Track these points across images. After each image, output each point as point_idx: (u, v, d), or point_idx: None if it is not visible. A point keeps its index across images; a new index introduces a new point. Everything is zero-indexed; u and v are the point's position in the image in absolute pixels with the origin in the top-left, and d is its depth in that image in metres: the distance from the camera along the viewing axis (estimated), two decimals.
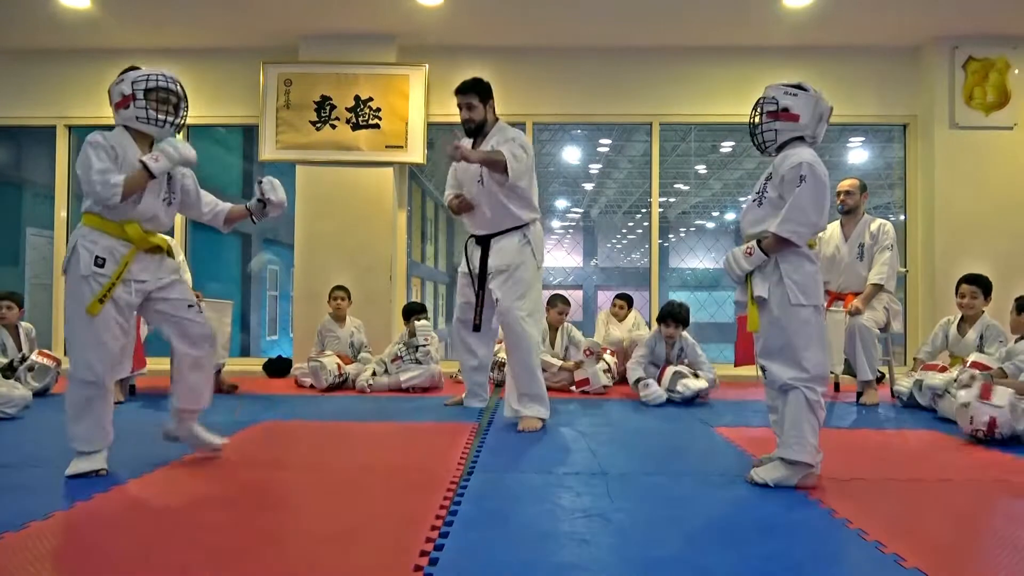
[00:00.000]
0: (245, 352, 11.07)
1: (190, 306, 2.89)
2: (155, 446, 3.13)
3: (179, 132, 2.93)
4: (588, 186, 19.33)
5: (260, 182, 3.02)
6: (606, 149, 16.14)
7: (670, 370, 4.81)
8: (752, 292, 2.68)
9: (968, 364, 4.17)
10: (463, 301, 4.10)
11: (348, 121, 6.16)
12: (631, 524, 2.17)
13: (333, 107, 6.15)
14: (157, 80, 2.80)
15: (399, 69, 6.17)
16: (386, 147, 6.18)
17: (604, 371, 5.28)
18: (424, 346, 5.37)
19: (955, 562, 1.91)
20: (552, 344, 5.49)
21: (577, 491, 2.51)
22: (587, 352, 5.23)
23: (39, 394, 4.77)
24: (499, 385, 5.35)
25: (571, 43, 6.24)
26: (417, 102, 6.16)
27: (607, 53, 6.30)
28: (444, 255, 18.44)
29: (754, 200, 2.75)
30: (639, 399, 4.80)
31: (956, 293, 4.68)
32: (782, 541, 2.05)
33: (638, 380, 4.78)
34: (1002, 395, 3.39)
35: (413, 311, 5.51)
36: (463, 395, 4.42)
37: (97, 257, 2.68)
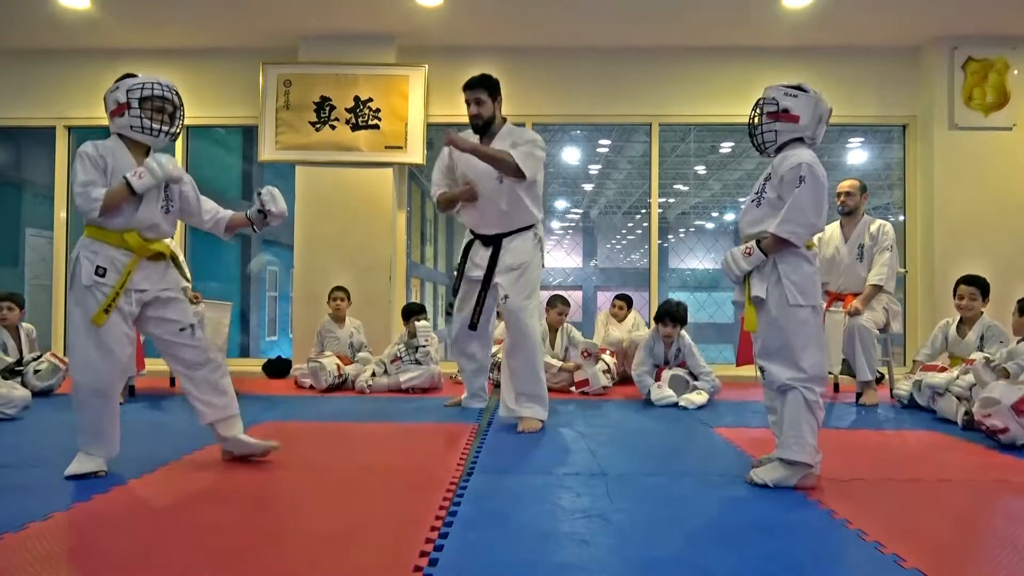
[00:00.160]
0: (245, 353, 11.08)
1: (182, 330, 2.83)
2: (155, 446, 3.13)
3: (175, 140, 2.91)
4: (588, 187, 19.34)
5: (260, 193, 2.98)
6: (606, 150, 16.14)
7: (667, 373, 4.80)
8: (749, 292, 2.68)
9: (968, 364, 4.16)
10: (467, 308, 3.98)
11: (348, 122, 6.16)
12: (631, 524, 2.17)
13: (333, 108, 6.15)
14: (153, 88, 2.76)
15: (399, 70, 6.18)
16: (386, 148, 6.18)
17: (604, 372, 5.28)
18: (424, 347, 5.38)
19: (955, 562, 1.91)
20: (552, 345, 5.49)
21: (577, 492, 2.51)
22: (585, 354, 5.22)
23: (42, 394, 4.77)
24: (498, 386, 5.35)
25: (571, 43, 6.24)
26: (417, 103, 6.16)
27: (607, 53, 6.31)
28: (443, 256, 18.44)
29: (753, 201, 2.75)
30: (641, 398, 4.81)
31: (954, 295, 4.68)
32: (782, 541, 2.05)
33: (648, 386, 4.76)
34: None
35: (412, 312, 5.51)
36: (462, 396, 4.42)
37: (98, 267, 2.68)
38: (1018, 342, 4.21)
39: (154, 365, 5.29)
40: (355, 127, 6.16)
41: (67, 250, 6.57)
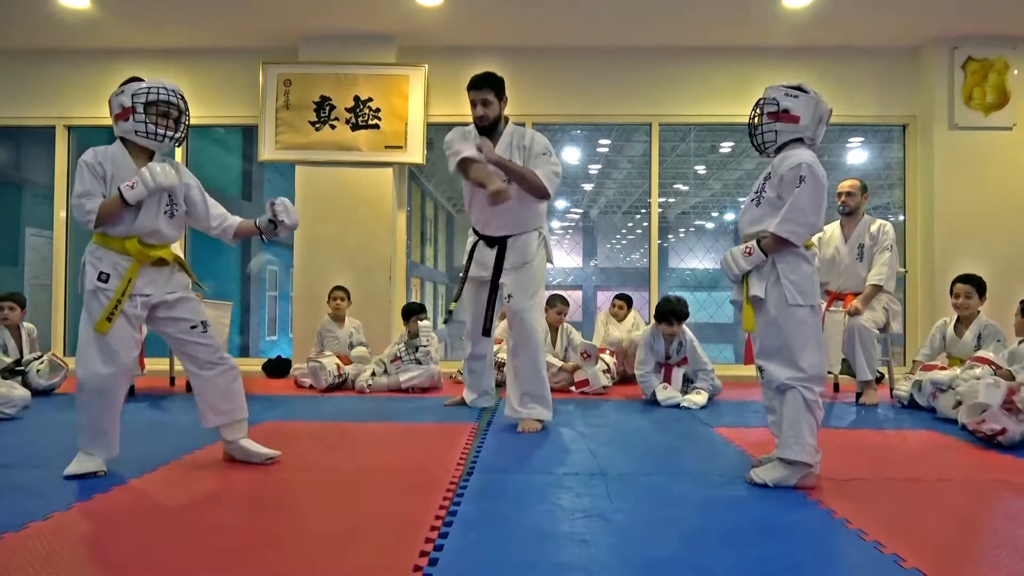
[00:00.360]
0: (244, 352, 11.08)
1: (193, 327, 2.84)
2: (155, 446, 3.13)
3: (180, 145, 2.89)
4: (588, 186, 19.33)
5: (273, 203, 2.97)
6: (605, 149, 16.14)
7: (678, 372, 4.79)
8: (748, 292, 2.68)
9: (973, 360, 4.17)
10: (475, 310, 3.97)
11: (347, 121, 6.16)
12: (631, 524, 2.17)
13: (332, 107, 6.15)
14: (159, 93, 2.72)
15: (398, 69, 6.18)
16: (385, 147, 6.18)
17: (604, 372, 5.28)
18: (425, 346, 5.39)
19: (954, 562, 1.91)
20: (552, 344, 5.50)
21: (577, 491, 2.51)
22: (584, 355, 5.22)
23: (43, 393, 4.77)
24: (499, 385, 5.36)
25: (570, 43, 6.25)
26: (416, 102, 6.16)
27: (607, 53, 6.31)
28: (444, 256, 18.45)
29: (752, 200, 2.75)
30: (641, 397, 4.81)
31: (951, 294, 4.69)
32: (781, 541, 2.05)
33: (653, 387, 4.73)
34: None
35: (412, 311, 5.51)
36: (463, 394, 4.43)
37: (101, 273, 2.70)
38: (1020, 343, 4.22)
39: (154, 365, 5.29)
40: (355, 127, 6.16)
41: (67, 250, 6.57)
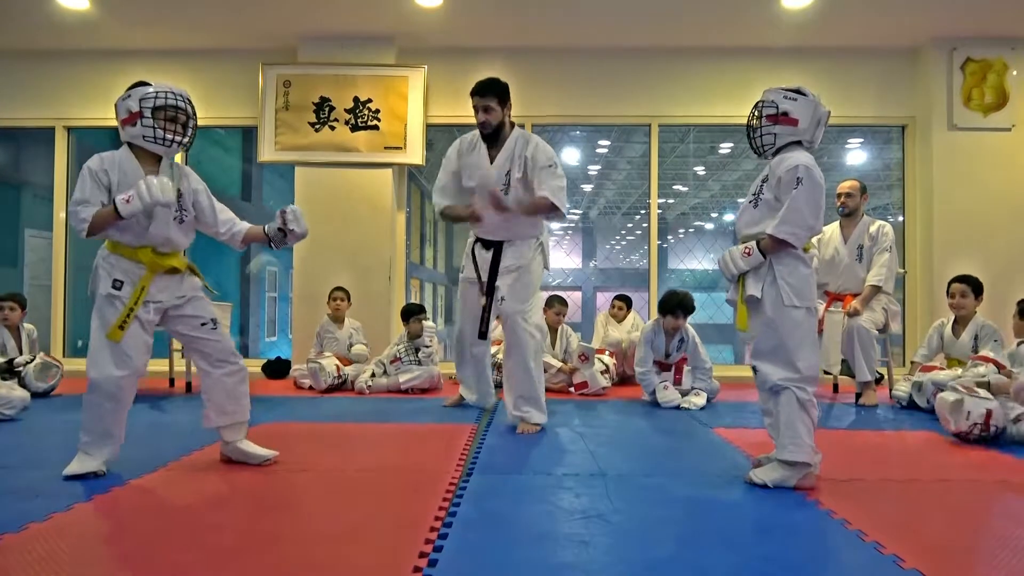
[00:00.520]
0: (244, 353, 11.08)
1: (203, 324, 2.86)
2: (155, 446, 3.13)
3: (187, 150, 2.88)
4: (587, 187, 19.33)
5: (284, 211, 2.96)
6: (605, 150, 16.14)
7: (687, 372, 4.77)
8: (744, 292, 2.69)
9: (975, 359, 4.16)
10: (471, 315, 3.97)
11: (347, 122, 6.16)
12: (630, 525, 2.17)
13: (332, 108, 6.15)
14: (166, 97, 2.71)
15: (398, 70, 6.18)
16: (385, 148, 6.18)
17: (602, 373, 5.28)
18: (428, 347, 5.40)
19: (954, 562, 1.91)
20: (552, 345, 5.50)
21: (576, 492, 2.51)
22: (582, 358, 5.22)
23: (42, 395, 4.77)
24: (499, 386, 5.36)
25: (570, 44, 6.25)
26: (416, 103, 6.16)
27: (606, 54, 6.31)
28: (443, 257, 18.45)
29: (750, 202, 2.76)
30: (641, 397, 4.80)
31: (947, 294, 4.70)
32: (781, 542, 2.06)
33: (653, 385, 4.70)
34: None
35: (412, 312, 5.51)
36: (460, 392, 4.44)
37: (115, 280, 2.69)
38: (1018, 344, 4.21)
39: (154, 365, 5.27)
40: (354, 128, 6.16)
41: (67, 251, 6.57)
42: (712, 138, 13.92)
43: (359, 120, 6.16)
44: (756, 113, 2.73)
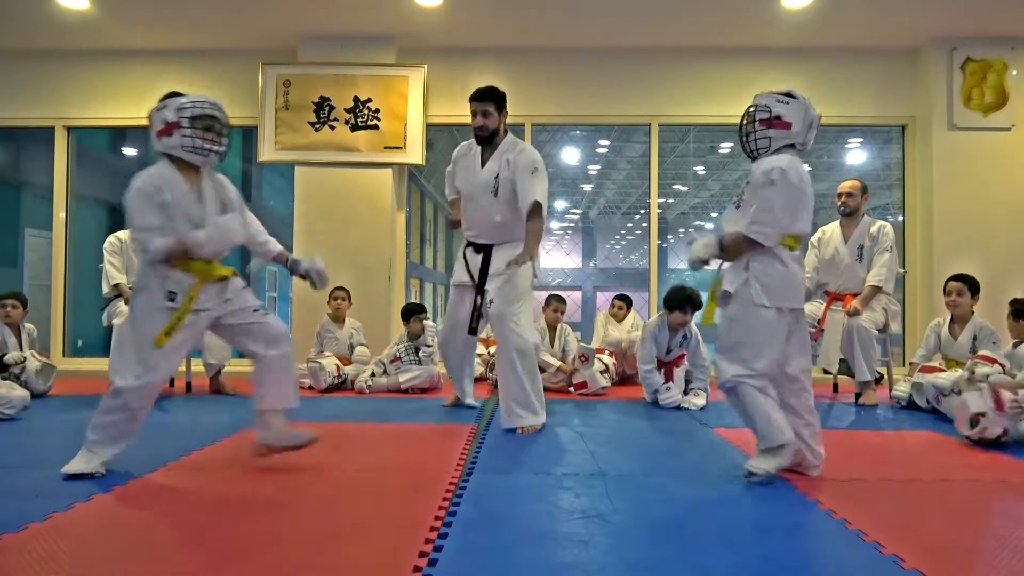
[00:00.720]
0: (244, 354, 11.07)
1: (255, 310, 2.87)
2: (155, 446, 3.13)
3: (221, 160, 2.88)
4: (587, 187, 19.35)
5: (310, 271, 3.08)
6: (605, 150, 16.15)
7: (679, 373, 4.74)
8: (718, 287, 2.74)
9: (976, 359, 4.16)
10: (459, 314, 4.03)
11: (347, 122, 6.16)
12: (630, 525, 2.17)
13: (332, 108, 6.15)
14: (203, 107, 2.72)
15: (398, 70, 6.18)
16: (385, 148, 6.18)
17: (602, 372, 5.28)
18: (429, 346, 5.41)
19: (954, 562, 1.91)
20: (551, 343, 5.51)
21: (576, 492, 2.51)
22: (582, 358, 5.22)
23: (38, 396, 4.76)
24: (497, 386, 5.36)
25: (570, 44, 6.25)
26: (416, 103, 6.16)
27: (606, 54, 6.31)
28: (443, 256, 18.46)
29: (733, 203, 2.82)
30: (640, 397, 4.80)
31: (944, 292, 4.70)
32: (781, 542, 2.06)
33: (657, 384, 4.67)
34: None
35: (413, 312, 5.52)
36: (458, 394, 4.46)
37: (169, 292, 2.68)
38: (1015, 345, 4.21)
39: None
40: (354, 127, 6.16)
41: (66, 251, 6.56)
42: (712, 138, 13.92)
43: (359, 120, 6.16)
44: (749, 117, 2.76)
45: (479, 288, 3.89)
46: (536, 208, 3.64)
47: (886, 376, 5.18)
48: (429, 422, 4.00)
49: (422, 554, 1.86)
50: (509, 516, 2.25)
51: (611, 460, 3.05)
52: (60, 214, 6.55)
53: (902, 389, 4.62)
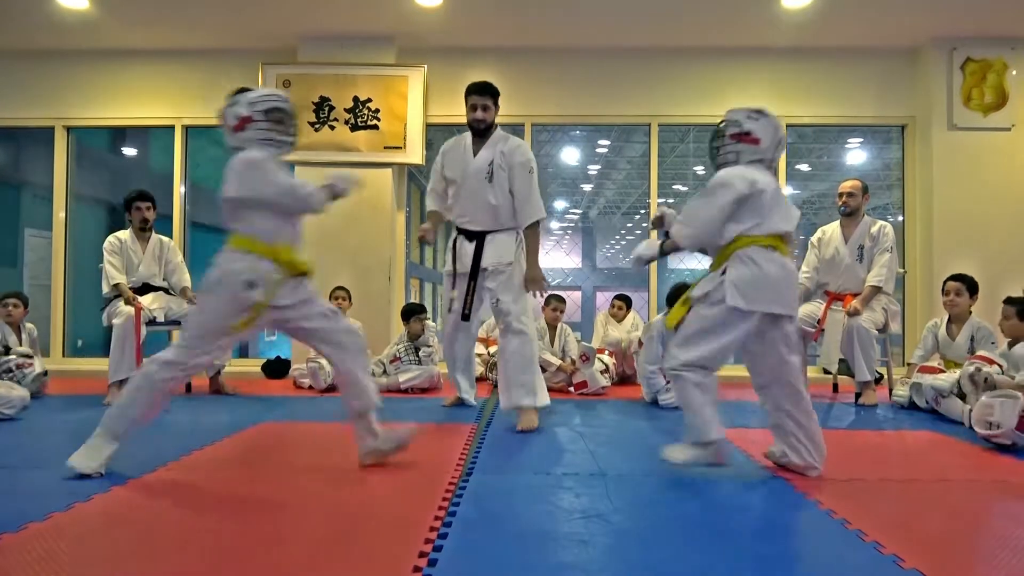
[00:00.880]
0: (244, 353, 11.06)
1: (324, 315, 2.89)
2: (155, 446, 3.13)
3: (290, 152, 2.92)
4: (587, 187, 19.35)
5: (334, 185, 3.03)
6: (605, 150, 16.15)
7: None
8: (690, 293, 2.81)
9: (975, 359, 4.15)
10: (455, 305, 4.08)
11: (347, 122, 6.16)
12: (630, 525, 2.17)
13: (332, 108, 6.15)
14: (274, 100, 2.79)
15: (398, 70, 6.18)
16: (385, 148, 6.18)
17: (602, 372, 5.28)
18: (430, 346, 5.41)
19: (954, 562, 1.91)
20: (551, 343, 5.51)
21: (576, 492, 2.51)
22: (583, 358, 5.21)
23: (33, 397, 4.75)
24: (498, 386, 5.36)
25: (570, 44, 6.25)
26: (416, 103, 6.16)
27: (606, 54, 6.31)
28: (443, 256, 18.43)
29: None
30: (640, 397, 4.80)
31: (942, 292, 4.70)
32: (781, 542, 2.06)
33: (659, 386, 4.63)
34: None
35: (414, 312, 5.52)
36: (458, 393, 4.46)
37: (249, 281, 2.68)
38: (1010, 345, 4.19)
39: None
40: (354, 127, 6.16)
41: (66, 251, 6.56)
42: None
43: (359, 120, 6.16)
44: (720, 131, 2.83)
45: (472, 275, 3.96)
46: (537, 223, 3.91)
47: (886, 376, 5.18)
48: (429, 422, 3.99)
49: (422, 554, 1.86)
50: (509, 516, 2.25)
51: (611, 460, 3.05)
52: (60, 214, 6.55)
53: (901, 393, 4.61)
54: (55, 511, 2.21)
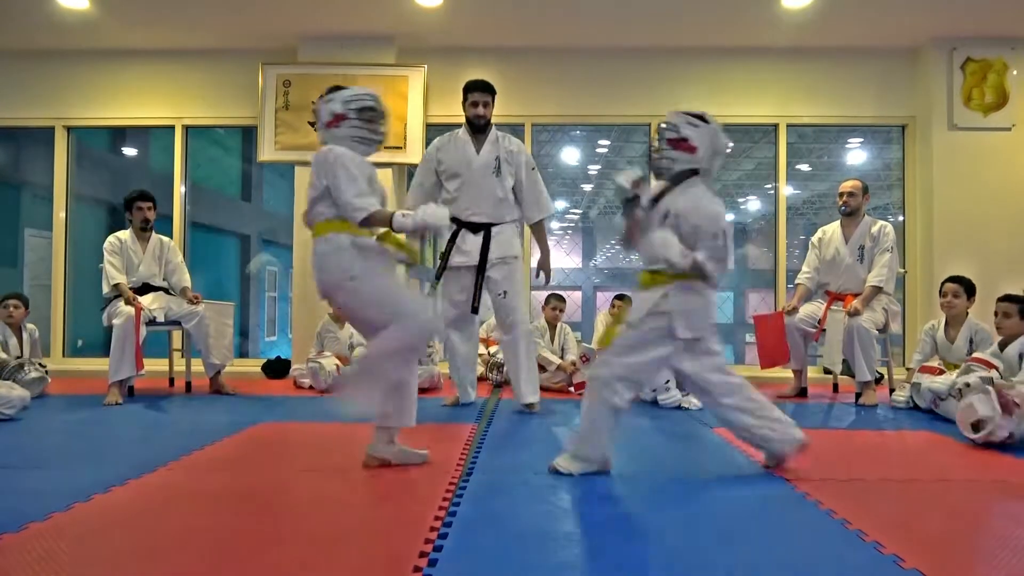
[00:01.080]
0: (244, 353, 11.07)
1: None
2: (155, 446, 3.13)
3: (378, 150, 2.97)
4: (587, 187, 19.33)
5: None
6: (605, 150, 16.14)
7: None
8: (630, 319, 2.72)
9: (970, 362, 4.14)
10: (458, 299, 4.18)
11: None
12: (630, 525, 2.18)
13: None
14: (366, 99, 2.84)
15: (398, 70, 6.18)
16: (385, 148, 6.11)
17: None
18: (430, 346, 5.41)
19: (954, 562, 1.91)
20: (551, 342, 5.52)
21: (576, 492, 2.51)
22: (583, 359, 5.22)
23: (34, 398, 4.75)
24: (498, 386, 5.36)
25: (570, 44, 6.24)
26: (416, 103, 6.16)
27: (606, 54, 6.31)
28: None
29: (662, 215, 2.78)
30: (644, 397, 4.80)
31: (939, 293, 4.69)
32: (781, 541, 2.06)
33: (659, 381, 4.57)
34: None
35: None
36: (457, 394, 4.46)
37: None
38: (1001, 345, 4.17)
39: (154, 365, 5.28)
40: None
41: (66, 251, 6.56)
42: None
43: None
44: (659, 135, 2.77)
45: (480, 268, 4.09)
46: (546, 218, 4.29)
47: (886, 376, 5.18)
48: (429, 422, 3.99)
49: (422, 554, 1.86)
50: (509, 516, 2.25)
51: (612, 466, 3.05)
52: (60, 214, 6.55)
53: (900, 397, 4.60)
54: (55, 511, 2.21)
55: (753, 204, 18.40)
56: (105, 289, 4.90)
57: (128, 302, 4.72)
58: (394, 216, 2.68)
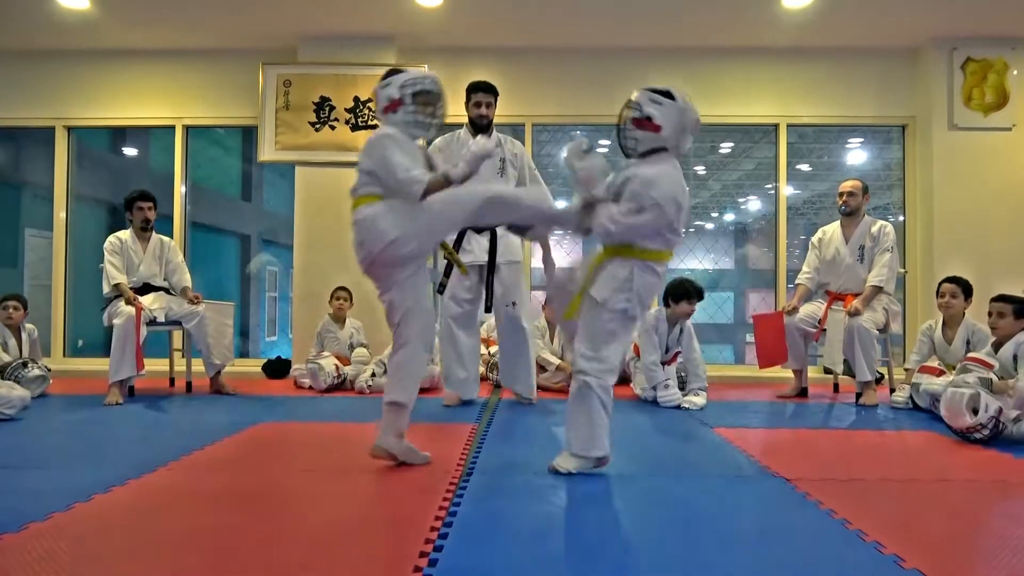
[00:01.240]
0: (244, 353, 11.07)
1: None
2: (155, 446, 3.13)
3: (435, 132, 2.97)
4: None
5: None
6: (605, 150, 16.13)
7: (671, 370, 4.74)
8: (588, 286, 2.72)
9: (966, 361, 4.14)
10: (463, 297, 4.32)
11: (347, 122, 6.16)
12: (630, 525, 2.18)
13: (332, 108, 6.15)
14: (424, 83, 2.82)
15: None
16: None
17: None
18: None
19: (955, 562, 1.91)
20: (551, 341, 5.51)
21: (576, 492, 2.51)
22: None
23: (34, 398, 4.75)
24: (498, 386, 5.36)
25: (570, 44, 6.24)
26: None
27: (606, 54, 6.31)
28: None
29: (614, 189, 2.86)
30: (639, 396, 4.80)
31: (937, 294, 4.69)
32: (781, 541, 2.06)
33: (659, 379, 4.61)
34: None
35: None
36: (459, 395, 4.48)
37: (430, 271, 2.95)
38: (994, 346, 4.16)
39: (154, 365, 5.28)
40: (355, 127, 6.16)
41: (66, 251, 6.56)
42: (712, 138, 13.86)
43: (359, 120, 6.16)
44: (625, 114, 2.71)
45: (490, 265, 4.22)
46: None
47: (887, 376, 5.17)
48: (429, 422, 3.99)
49: (422, 554, 1.86)
50: (510, 516, 2.25)
51: (611, 460, 3.05)
52: (60, 214, 6.55)
53: (900, 398, 4.60)
54: (55, 511, 2.21)
55: (753, 204, 18.39)
56: (105, 289, 4.90)
57: (129, 302, 4.72)
58: (447, 173, 2.69)
